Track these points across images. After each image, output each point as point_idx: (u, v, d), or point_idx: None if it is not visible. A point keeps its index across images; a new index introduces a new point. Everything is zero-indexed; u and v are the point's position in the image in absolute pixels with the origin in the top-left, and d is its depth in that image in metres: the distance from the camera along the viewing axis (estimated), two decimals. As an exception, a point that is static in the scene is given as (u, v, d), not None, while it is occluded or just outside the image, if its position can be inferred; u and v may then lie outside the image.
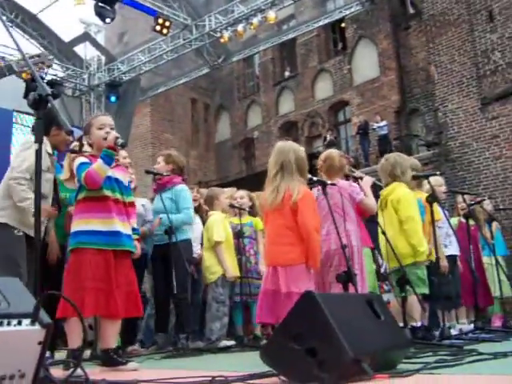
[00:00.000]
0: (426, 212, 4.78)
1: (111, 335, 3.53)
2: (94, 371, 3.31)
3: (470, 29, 12.70)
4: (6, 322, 1.63)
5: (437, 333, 4.47)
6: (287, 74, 19.50)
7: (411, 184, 4.81)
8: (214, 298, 5.35)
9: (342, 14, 15.26)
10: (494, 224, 7.50)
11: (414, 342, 3.79)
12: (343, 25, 17.58)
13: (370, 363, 2.33)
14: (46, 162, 3.90)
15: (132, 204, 3.77)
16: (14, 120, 12.09)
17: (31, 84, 10.52)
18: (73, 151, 4.65)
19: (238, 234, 5.67)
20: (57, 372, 2.60)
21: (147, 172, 5.21)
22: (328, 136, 15.88)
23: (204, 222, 5.79)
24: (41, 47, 15.05)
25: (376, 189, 4.66)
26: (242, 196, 5.98)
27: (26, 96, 11.01)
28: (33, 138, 2.75)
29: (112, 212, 3.48)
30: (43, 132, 2.48)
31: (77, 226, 3.48)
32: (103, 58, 16.44)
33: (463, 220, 6.38)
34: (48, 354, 4.36)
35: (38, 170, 2.34)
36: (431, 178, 4.90)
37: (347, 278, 3.38)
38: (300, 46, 18.63)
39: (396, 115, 16.01)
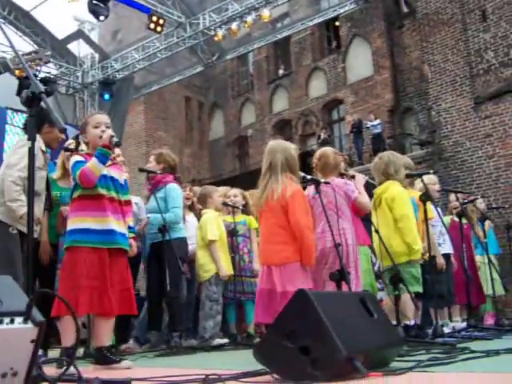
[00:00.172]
0: (420, 210, 4.80)
1: (105, 333, 3.53)
2: (88, 369, 3.30)
3: (464, 28, 12.73)
4: (-2, 320, 1.62)
5: (430, 331, 4.49)
6: (281, 72, 19.49)
7: (404, 182, 4.82)
8: (208, 297, 5.35)
9: (337, 13, 15.27)
10: (487, 223, 7.53)
11: (407, 340, 3.80)
12: (337, 23, 17.58)
13: (363, 361, 2.34)
14: (39, 159, 3.90)
15: (128, 202, 3.77)
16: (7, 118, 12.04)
17: (24, 81, 10.49)
18: (66, 149, 4.65)
19: (232, 233, 5.67)
20: (50, 370, 2.60)
21: (141, 170, 5.21)
22: (322, 134, 15.89)
23: (199, 221, 5.80)
24: (34, 44, 14.97)
25: (369, 187, 4.67)
26: (235, 194, 5.98)
27: (18, 93, 10.97)
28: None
29: (107, 210, 3.48)
30: (36, 130, 2.47)
31: (72, 224, 3.49)
32: (97, 56, 16.38)
33: (455, 219, 6.40)
34: (41, 352, 4.36)
35: (31, 168, 2.33)
36: (425, 177, 4.92)
37: (340, 276, 3.39)
38: (294, 45, 18.63)
39: (390, 114, 16.04)
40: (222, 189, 6.11)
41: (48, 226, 4.56)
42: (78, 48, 16.41)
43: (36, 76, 3.30)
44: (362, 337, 2.52)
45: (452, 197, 6.84)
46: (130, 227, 3.72)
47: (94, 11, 12.13)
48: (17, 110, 11.98)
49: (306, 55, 18.37)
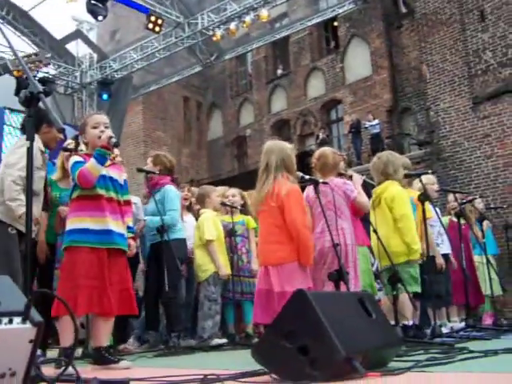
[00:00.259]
0: (418, 210, 4.80)
1: (104, 333, 3.53)
2: (86, 370, 3.30)
3: (462, 28, 12.74)
4: (-4, 320, 1.62)
5: (428, 331, 4.50)
6: (280, 72, 19.49)
7: (403, 182, 4.83)
8: (206, 297, 5.35)
9: (335, 13, 15.27)
10: (485, 223, 7.54)
11: (406, 341, 3.81)
12: (336, 23, 17.59)
13: (361, 361, 2.34)
14: (38, 159, 3.90)
15: (128, 202, 3.77)
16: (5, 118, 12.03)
17: (22, 81, 10.49)
18: (65, 149, 4.65)
19: (230, 233, 5.67)
20: (48, 370, 2.60)
21: (139, 170, 5.21)
22: (320, 134, 15.90)
23: (197, 221, 5.81)
24: (32, 44, 14.96)
25: (367, 187, 4.67)
26: (233, 194, 5.98)
27: (17, 93, 10.96)
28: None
29: (105, 211, 3.48)
30: (34, 130, 2.47)
31: (71, 224, 3.50)
32: (95, 56, 16.37)
33: (454, 219, 6.41)
34: (39, 352, 4.36)
35: (29, 168, 2.33)
36: (423, 177, 4.92)
37: (339, 276, 3.39)
38: (293, 45, 18.63)
39: (388, 114, 16.04)
40: (220, 189, 6.12)
41: (46, 226, 4.57)
42: (77, 48, 16.40)
43: (34, 76, 3.31)
44: (360, 337, 2.52)
45: (450, 197, 6.85)
46: (129, 227, 3.72)
47: (93, 11, 12.12)
48: (15, 110, 11.97)
49: (305, 55, 18.37)
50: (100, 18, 12.35)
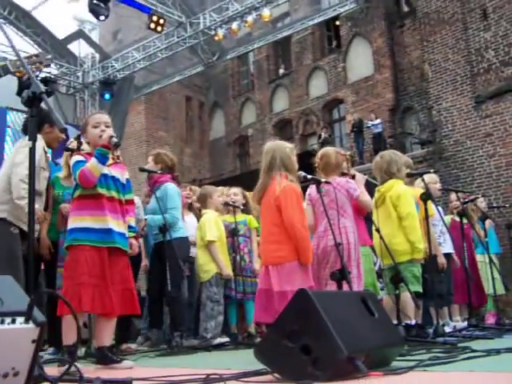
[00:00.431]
0: (420, 209, 4.79)
1: (106, 333, 3.53)
2: (89, 369, 3.30)
3: (464, 27, 12.73)
4: (-1, 320, 1.62)
5: (430, 330, 4.49)
6: (282, 71, 19.48)
7: (405, 181, 4.82)
8: (209, 297, 5.34)
9: (337, 12, 15.27)
10: (488, 222, 7.52)
11: (408, 340, 3.80)
12: (338, 23, 17.57)
13: (364, 361, 2.34)
14: (42, 159, 3.91)
15: (131, 202, 3.78)
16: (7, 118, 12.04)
17: (24, 81, 10.48)
18: (67, 149, 4.65)
19: (233, 232, 5.66)
20: (51, 370, 2.60)
21: (141, 170, 5.22)
22: (322, 134, 15.88)
23: (198, 220, 5.80)
24: (34, 44, 14.99)
25: (370, 186, 4.67)
26: (235, 193, 5.96)
27: (19, 93, 10.96)
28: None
29: (105, 210, 3.48)
30: (37, 130, 2.47)
31: (72, 223, 3.51)
32: (97, 56, 16.39)
33: (456, 218, 6.40)
34: (52, 350, 4.37)
35: (31, 168, 2.33)
36: (426, 176, 4.92)
37: (341, 276, 3.39)
38: (294, 44, 18.62)
39: (390, 113, 16.02)
40: (220, 189, 6.11)
41: (48, 224, 4.58)
42: (79, 48, 16.44)
43: (36, 76, 3.31)
44: (362, 336, 2.52)
45: (452, 196, 6.84)
46: (130, 227, 3.72)
47: (95, 11, 12.14)
48: (17, 110, 11.98)
49: (307, 55, 18.36)
50: (102, 17, 12.37)
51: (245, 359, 3.51)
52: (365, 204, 4.30)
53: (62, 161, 4.91)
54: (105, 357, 3.46)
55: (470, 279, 5.61)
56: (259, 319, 3.85)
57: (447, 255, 5.67)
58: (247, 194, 5.99)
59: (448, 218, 6.58)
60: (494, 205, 10.55)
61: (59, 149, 4.58)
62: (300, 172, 3.75)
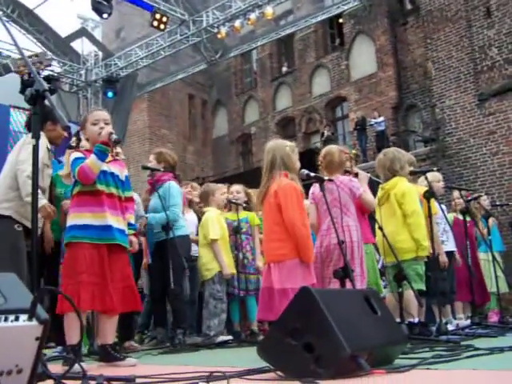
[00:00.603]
0: (423, 207, 4.78)
1: (108, 331, 3.53)
2: (92, 367, 3.31)
3: (468, 25, 12.70)
4: (3, 317, 1.62)
5: (433, 328, 4.49)
6: (285, 69, 19.46)
7: (408, 179, 4.81)
8: (212, 295, 5.35)
9: (340, 10, 15.25)
10: (491, 220, 7.51)
11: (411, 338, 3.80)
12: (341, 20, 17.54)
13: (366, 359, 2.34)
14: (46, 156, 3.91)
15: (130, 199, 3.77)
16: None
17: (27, 79, 10.50)
18: (70, 147, 4.66)
19: (236, 230, 5.66)
20: (55, 367, 2.61)
21: (144, 168, 5.23)
22: (325, 132, 15.87)
23: (198, 217, 5.81)
24: (37, 42, 15.01)
25: (373, 184, 4.66)
26: (237, 190, 5.96)
27: (22, 91, 10.98)
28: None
29: (104, 206, 3.47)
30: (40, 127, 2.48)
31: (71, 220, 3.49)
32: (100, 54, 16.41)
33: (458, 216, 6.38)
34: (60, 349, 4.37)
35: (35, 165, 2.34)
36: (429, 174, 4.91)
37: (344, 274, 3.39)
38: (298, 42, 18.60)
39: (393, 111, 16.00)
40: (220, 186, 6.09)
41: (51, 222, 4.58)
42: (82, 46, 16.45)
43: (39, 74, 3.31)
44: (365, 334, 2.52)
45: (455, 194, 6.83)
46: (130, 224, 3.70)
47: (97, 9, 12.15)
48: (20, 108, 11.99)
49: (310, 52, 18.34)
50: (105, 15, 12.38)
51: (248, 357, 3.52)
52: (368, 203, 4.30)
53: (64, 159, 4.92)
54: (108, 354, 3.47)
55: (472, 277, 5.60)
56: (262, 317, 3.87)
57: (450, 253, 5.66)
58: (250, 191, 5.99)
59: (451, 216, 6.57)
60: (498, 203, 10.53)
61: (62, 146, 4.58)
62: (303, 170, 3.74)
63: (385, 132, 14.95)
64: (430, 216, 4.54)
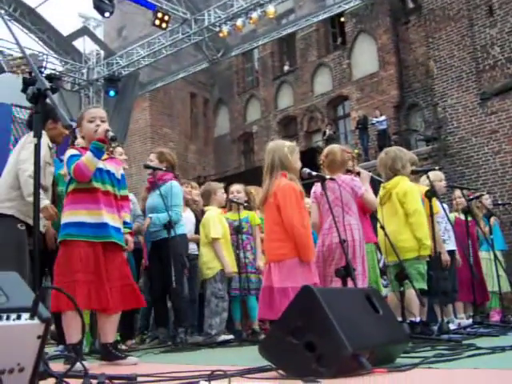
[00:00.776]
0: (425, 206, 4.78)
1: (109, 330, 3.51)
2: (94, 365, 3.32)
3: (470, 23, 12.68)
4: (4, 316, 1.62)
5: (435, 328, 4.48)
6: (286, 68, 19.46)
7: (410, 178, 4.81)
8: (213, 294, 5.35)
9: (342, 9, 15.22)
10: (493, 219, 7.50)
11: (413, 337, 3.80)
12: (343, 19, 17.53)
13: (368, 357, 2.34)
14: (47, 155, 3.91)
15: (125, 197, 3.75)
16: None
17: (29, 78, 10.51)
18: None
19: (237, 230, 5.66)
20: (56, 366, 2.61)
21: (146, 167, 5.23)
22: (327, 131, 15.87)
23: (196, 216, 5.82)
24: (39, 41, 15.01)
25: (374, 183, 4.66)
26: (238, 190, 5.95)
27: (24, 90, 10.99)
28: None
29: (100, 204, 3.45)
30: (41, 126, 2.48)
31: (66, 217, 3.47)
32: (102, 53, 16.41)
33: (459, 215, 6.37)
34: (61, 348, 4.37)
35: (36, 164, 2.34)
36: (431, 173, 4.90)
37: (346, 272, 3.39)
38: (299, 41, 18.59)
39: (395, 110, 15.99)
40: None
41: (52, 222, 4.58)
42: (84, 45, 16.47)
43: (41, 73, 3.32)
44: (367, 333, 2.52)
45: (457, 193, 6.82)
46: (126, 222, 3.69)
47: (99, 8, 12.15)
48: (21, 107, 12.00)
49: (312, 51, 18.33)
50: (107, 14, 12.39)
51: (249, 356, 3.52)
52: (369, 202, 4.30)
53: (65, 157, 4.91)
54: (109, 353, 3.47)
55: (475, 277, 5.59)
56: (263, 316, 3.88)
57: (451, 252, 5.66)
58: (252, 190, 5.98)
59: (452, 216, 6.56)
60: (500, 202, 10.51)
61: (64, 145, 4.58)
62: (304, 169, 3.74)
63: (386, 131, 14.95)
64: (431, 215, 4.54)
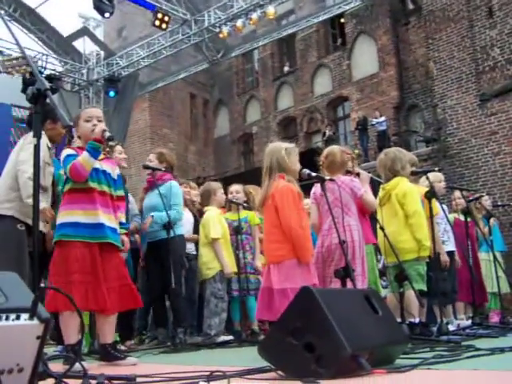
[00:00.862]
0: (425, 207, 4.78)
1: (107, 330, 3.51)
2: (93, 366, 3.31)
3: (470, 25, 12.69)
4: (4, 316, 1.63)
5: (434, 329, 4.48)
6: (286, 69, 19.46)
7: (409, 179, 4.81)
8: (213, 294, 5.35)
9: (342, 10, 15.23)
10: (492, 220, 7.50)
11: (412, 338, 3.80)
12: (343, 20, 17.54)
13: (367, 358, 2.34)
14: (46, 155, 3.91)
15: (121, 198, 3.73)
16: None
17: (29, 78, 10.51)
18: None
19: (237, 230, 5.66)
20: (56, 366, 2.61)
21: (145, 167, 5.23)
22: (327, 131, 15.87)
23: (195, 216, 5.82)
24: (39, 41, 15.01)
25: (374, 184, 4.66)
26: (237, 190, 5.95)
27: (24, 90, 10.99)
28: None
29: (96, 204, 3.44)
30: (41, 126, 2.48)
31: (61, 217, 3.45)
32: (102, 53, 16.40)
33: (458, 216, 6.37)
34: (60, 348, 4.37)
35: (36, 164, 2.34)
36: (430, 174, 4.90)
37: (345, 273, 3.39)
38: (299, 42, 18.60)
39: (395, 111, 16.00)
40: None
41: (52, 221, 4.59)
42: (83, 45, 16.46)
43: (41, 73, 3.33)
44: (366, 334, 2.52)
45: (456, 194, 6.82)
46: (122, 223, 3.68)
47: (99, 8, 12.14)
48: (21, 107, 12.00)
49: (311, 52, 18.34)
50: (107, 14, 12.38)
51: (248, 356, 3.52)
52: (369, 203, 4.29)
53: None
54: (108, 354, 3.46)
55: (474, 278, 5.59)
56: (261, 316, 3.92)
57: (450, 253, 5.66)
58: (251, 190, 5.98)
59: (451, 217, 6.56)
60: (499, 203, 10.51)
61: (63, 145, 4.58)
62: (304, 170, 3.75)
63: (386, 132, 14.95)
64: (431, 216, 4.54)
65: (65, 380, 2.05)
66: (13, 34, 2.62)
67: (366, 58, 16.79)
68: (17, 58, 3.82)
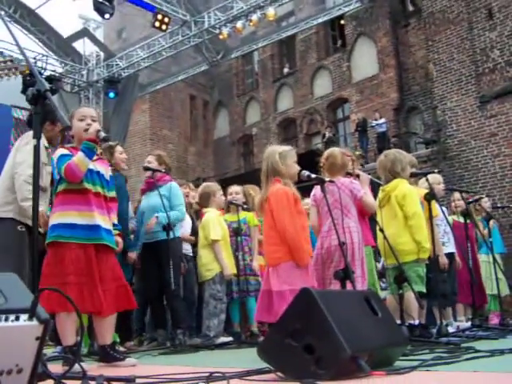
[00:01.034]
0: (424, 209, 4.78)
1: (105, 332, 3.49)
2: (92, 367, 3.31)
3: (469, 27, 12.70)
4: (3, 317, 1.62)
5: (434, 330, 4.48)
6: (286, 70, 19.48)
7: (409, 180, 4.81)
8: (212, 295, 5.35)
9: (342, 11, 15.25)
10: (492, 222, 7.50)
11: (411, 340, 3.80)
12: (342, 22, 17.56)
13: (367, 360, 2.34)
14: (43, 155, 3.91)
15: (113, 199, 3.70)
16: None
17: (29, 79, 10.52)
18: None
19: (236, 232, 5.66)
20: (55, 367, 2.61)
21: (146, 168, 5.24)
22: (327, 133, 15.88)
23: (192, 218, 5.82)
24: (39, 43, 15.01)
25: (374, 186, 4.66)
26: (236, 192, 5.94)
27: (24, 91, 11.01)
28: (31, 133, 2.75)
29: (92, 205, 3.40)
30: (41, 127, 2.48)
31: (56, 218, 3.39)
32: (102, 54, 16.41)
33: (457, 218, 6.38)
34: (59, 348, 4.36)
35: (36, 165, 2.34)
36: (430, 176, 4.91)
37: (345, 275, 3.38)
38: (299, 43, 18.62)
39: (395, 113, 16.01)
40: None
41: None
42: (83, 46, 16.47)
43: (41, 74, 3.33)
44: (366, 335, 2.52)
45: (456, 196, 6.82)
46: (114, 224, 3.66)
47: (99, 9, 12.15)
48: (21, 108, 12.01)
49: (311, 54, 18.36)
50: (107, 16, 12.39)
51: (248, 358, 3.52)
52: (368, 205, 4.29)
53: None
54: (107, 355, 3.46)
55: (474, 280, 5.59)
56: (260, 318, 3.94)
57: (450, 255, 5.66)
58: (251, 190, 5.99)
59: (450, 219, 6.56)
60: (499, 205, 10.52)
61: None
62: (304, 171, 3.75)
63: (386, 133, 14.96)
64: (430, 218, 4.54)
65: (64, 381, 2.05)
66: (13, 35, 2.62)
67: (365, 60, 16.80)
68: (5, 61, 3.80)
